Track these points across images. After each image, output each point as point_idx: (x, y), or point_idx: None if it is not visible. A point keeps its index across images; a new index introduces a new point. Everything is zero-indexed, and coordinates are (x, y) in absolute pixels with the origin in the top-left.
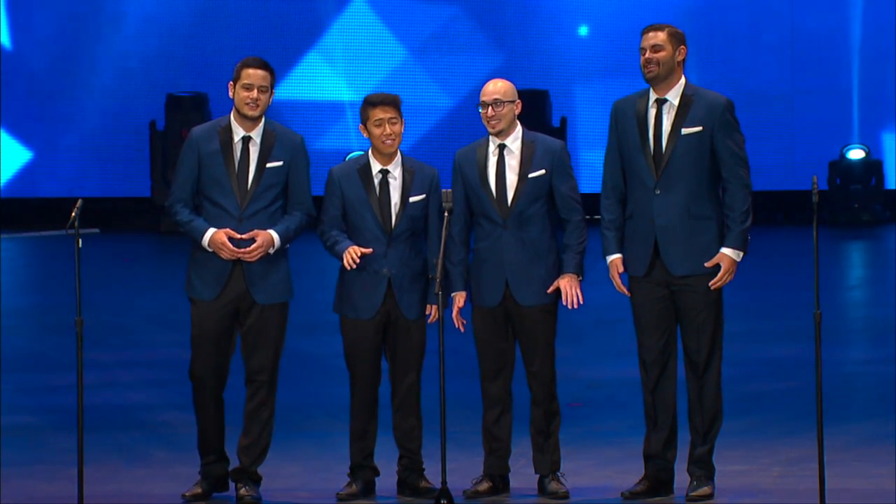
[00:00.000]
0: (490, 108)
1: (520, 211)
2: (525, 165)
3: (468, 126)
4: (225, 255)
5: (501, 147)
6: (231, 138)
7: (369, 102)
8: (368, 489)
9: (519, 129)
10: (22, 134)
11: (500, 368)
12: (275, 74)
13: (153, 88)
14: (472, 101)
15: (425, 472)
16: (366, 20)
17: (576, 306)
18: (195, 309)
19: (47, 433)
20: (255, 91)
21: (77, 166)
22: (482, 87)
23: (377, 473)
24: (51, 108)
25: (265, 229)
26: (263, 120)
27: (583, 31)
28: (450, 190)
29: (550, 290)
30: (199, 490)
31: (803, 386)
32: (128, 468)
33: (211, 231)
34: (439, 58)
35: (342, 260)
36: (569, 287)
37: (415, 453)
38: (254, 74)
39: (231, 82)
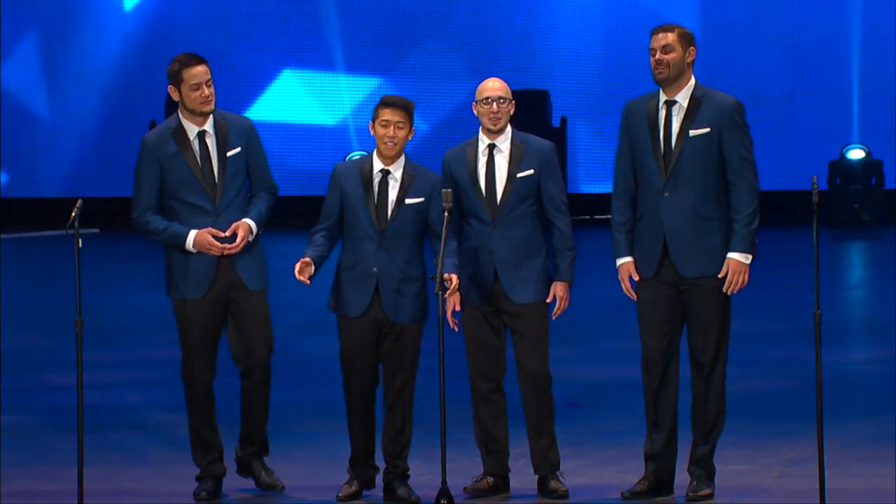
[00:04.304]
0: (495, 104)
1: (509, 210)
2: (514, 165)
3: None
4: (214, 252)
5: (491, 147)
6: (186, 137)
7: (382, 102)
8: (368, 489)
9: (509, 129)
10: (21, 133)
11: (493, 367)
12: (209, 66)
13: (153, 88)
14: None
15: (414, 475)
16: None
17: (555, 317)
18: (183, 309)
19: (47, 433)
20: (204, 87)
21: (77, 166)
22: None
23: (378, 472)
24: (50, 109)
25: (240, 219)
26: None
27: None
28: (450, 190)
29: (549, 299)
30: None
31: (803, 386)
32: (128, 468)
33: (193, 233)
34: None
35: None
36: (562, 300)
37: (396, 457)
38: (198, 73)
39: (171, 86)
